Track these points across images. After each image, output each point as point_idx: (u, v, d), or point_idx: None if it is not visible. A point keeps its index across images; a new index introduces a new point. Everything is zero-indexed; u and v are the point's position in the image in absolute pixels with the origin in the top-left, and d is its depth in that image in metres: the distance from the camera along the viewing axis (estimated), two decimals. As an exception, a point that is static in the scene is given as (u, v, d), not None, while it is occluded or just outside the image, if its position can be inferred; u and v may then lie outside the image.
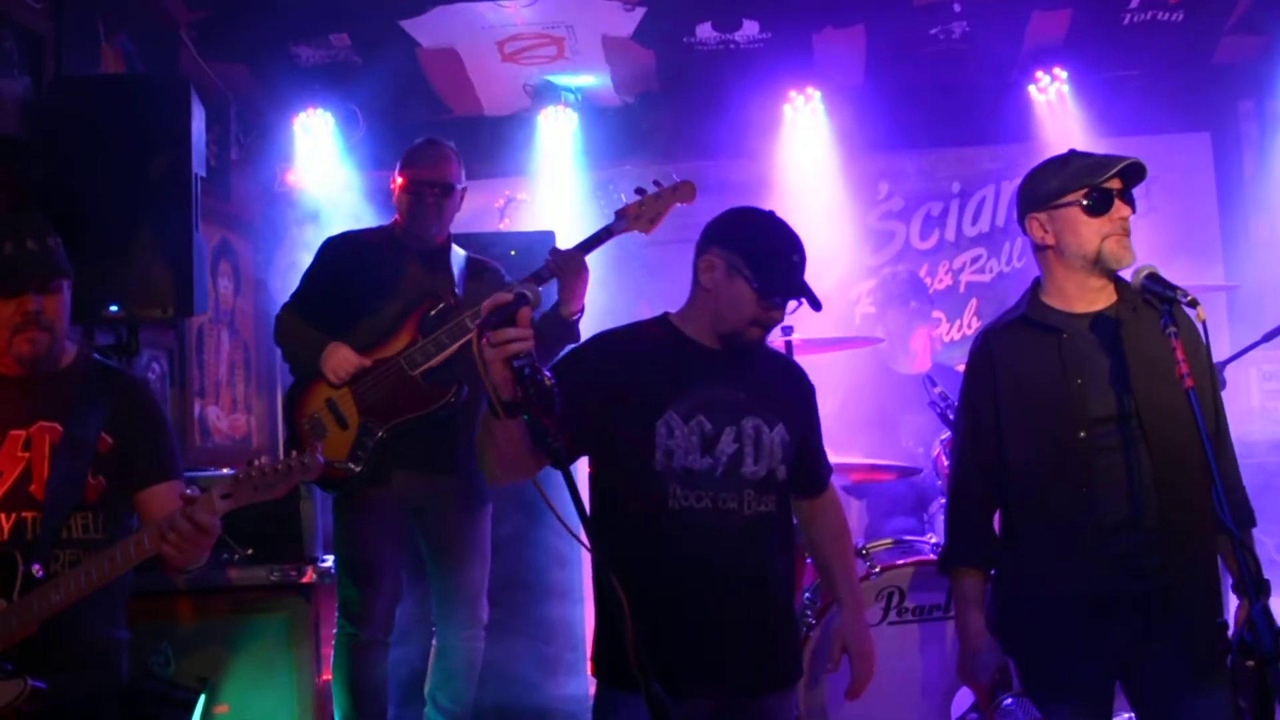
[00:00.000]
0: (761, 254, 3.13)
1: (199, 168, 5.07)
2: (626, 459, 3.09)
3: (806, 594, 4.58)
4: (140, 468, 3.33)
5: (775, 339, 4.99)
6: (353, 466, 4.37)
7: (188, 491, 3.08)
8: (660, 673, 3.01)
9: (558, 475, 2.51)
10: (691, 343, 3.20)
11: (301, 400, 4.52)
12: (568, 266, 4.31)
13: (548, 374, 2.61)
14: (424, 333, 4.40)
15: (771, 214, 3.28)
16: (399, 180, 4.59)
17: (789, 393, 3.31)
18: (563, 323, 4.34)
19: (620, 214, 4.33)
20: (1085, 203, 3.17)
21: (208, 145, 5.46)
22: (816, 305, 3.12)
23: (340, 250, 4.70)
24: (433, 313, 4.44)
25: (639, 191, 4.32)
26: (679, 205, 4.32)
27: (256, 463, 3.10)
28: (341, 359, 4.42)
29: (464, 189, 4.68)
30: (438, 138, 4.75)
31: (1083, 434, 3.14)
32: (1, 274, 3.17)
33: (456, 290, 4.54)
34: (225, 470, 4.88)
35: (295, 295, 4.72)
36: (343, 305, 4.55)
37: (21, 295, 3.18)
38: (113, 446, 3.29)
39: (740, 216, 3.28)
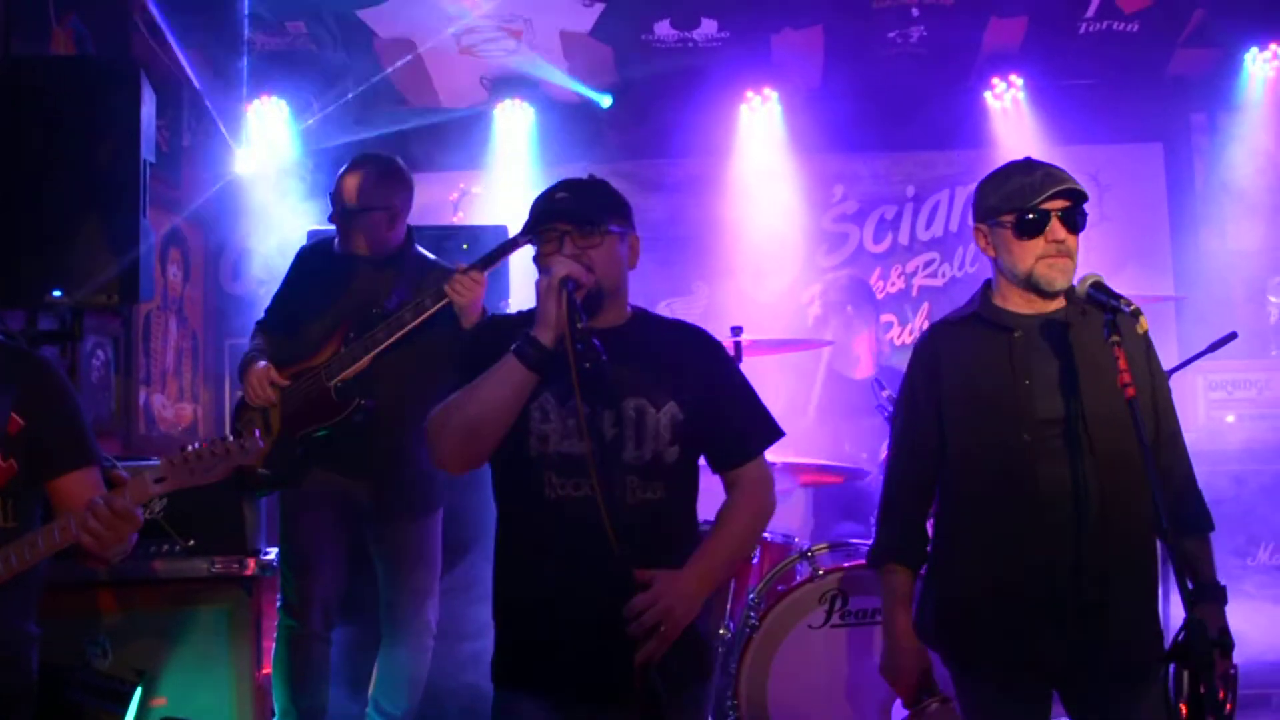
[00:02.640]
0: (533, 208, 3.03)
1: (148, 154, 4.98)
2: (503, 447, 2.91)
3: (751, 594, 4.58)
4: (53, 454, 3.13)
5: (725, 340, 4.99)
6: (263, 471, 4.34)
7: (119, 472, 2.96)
8: (542, 675, 2.91)
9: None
10: None
11: (242, 407, 4.51)
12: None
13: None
14: (345, 344, 4.34)
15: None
16: (330, 205, 4.52)
17: (686, 365, 3.04)
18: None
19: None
20: (1015, 225, 3.13)
21: (160, 131, 5.39)
22: (575, 219, 2.92)
23: (301, 259, 4.70)
24: (359, 324, 4.36)
25: None
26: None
27: (192, 446, 3.01)
28: (256, 380, 4.39)
29: (396, 206, 4.50)
30: (368, 156, 4.63)
31: (1027, 436, 3.09)
32: None
33: (391, 299, 4.42)
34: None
35: (266, 308, 4.70)
36: (294, 315, 4.53)
37: None
38: (23, 428, 3.08)
39: None
